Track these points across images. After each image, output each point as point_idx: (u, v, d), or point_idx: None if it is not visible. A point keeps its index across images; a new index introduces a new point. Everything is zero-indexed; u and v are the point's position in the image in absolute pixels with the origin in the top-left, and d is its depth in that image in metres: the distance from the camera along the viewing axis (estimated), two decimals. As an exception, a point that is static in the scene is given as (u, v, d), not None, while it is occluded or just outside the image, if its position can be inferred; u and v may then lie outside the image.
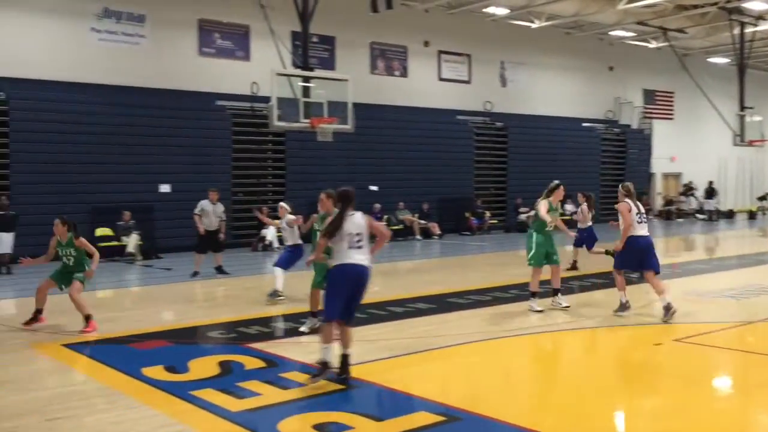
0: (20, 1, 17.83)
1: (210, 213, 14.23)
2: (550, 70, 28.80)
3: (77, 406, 6.10)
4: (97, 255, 9.20)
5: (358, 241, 6.53)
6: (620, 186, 9.87)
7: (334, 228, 6.51)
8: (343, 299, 6.48)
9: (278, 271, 11.22)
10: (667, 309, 9.19)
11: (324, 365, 6.50)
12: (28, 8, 18.00)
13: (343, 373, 6.52)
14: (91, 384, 6.78)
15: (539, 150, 26.82)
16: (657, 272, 9.49)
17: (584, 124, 29.61)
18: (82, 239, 9.19)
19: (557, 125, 28.05)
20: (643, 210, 9.70)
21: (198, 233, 14.22)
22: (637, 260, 9.60)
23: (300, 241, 11.34)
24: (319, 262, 7.50)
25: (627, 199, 9.60)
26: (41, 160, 17.31)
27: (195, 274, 14.06)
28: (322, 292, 7.53)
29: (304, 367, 7.12)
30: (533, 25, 26.39)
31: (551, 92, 28.73)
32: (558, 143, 27.62)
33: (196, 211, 14.29)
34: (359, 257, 6.52)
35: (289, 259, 11.33)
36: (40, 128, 17.43)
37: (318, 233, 8.57)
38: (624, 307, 9.67)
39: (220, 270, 14.34)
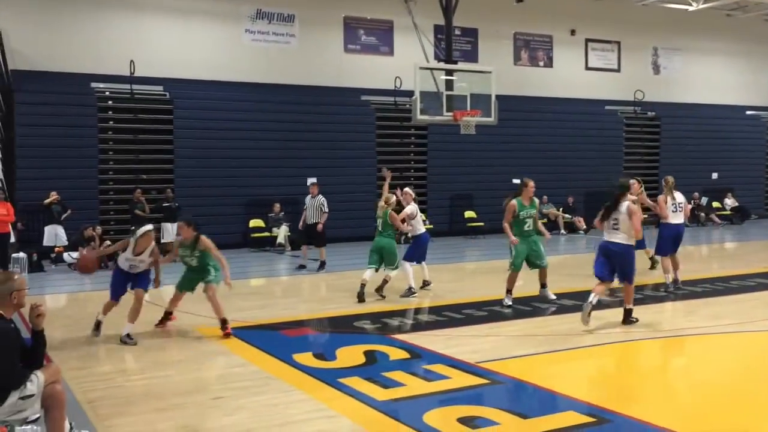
0: (181, 7, 19.11)
1: (309, 207, 14.47)
2: (708, 55, 26.94)
3: (236, 387, 6.48)
4: (224, 260, 8.74)
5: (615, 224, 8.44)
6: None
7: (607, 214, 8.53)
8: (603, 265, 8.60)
9: (407, 266, 11.10)
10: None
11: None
12: (189, 13, 19.25)
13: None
14: (249, 367, 7.16)
15: (696, 141, 25.23)
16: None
17: (748, 113, 27.48)
18: (207, 241, 8.82)
19: (717, 114, 26.22)
20: (678, 201, 10.88)
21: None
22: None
23: (423, 229, 11.34)
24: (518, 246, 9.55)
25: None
26: (201, 156, 18.50)
27: (301, 267, 14.48)
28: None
29: (448, 360, 7.13)
30: (690, 8, 24.79)
31: (710, 79, 26.87)
32: (717, 133, 25.83)
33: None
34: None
35: (416, 251, 11.28)
36: (200, 125, 18.63)
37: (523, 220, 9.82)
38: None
39: (321, 265, 14.26)
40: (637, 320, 8.75)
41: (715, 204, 25.39)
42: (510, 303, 10.00)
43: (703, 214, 24.23)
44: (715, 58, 27.06)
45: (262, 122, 19.17)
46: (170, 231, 16.59)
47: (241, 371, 7.02)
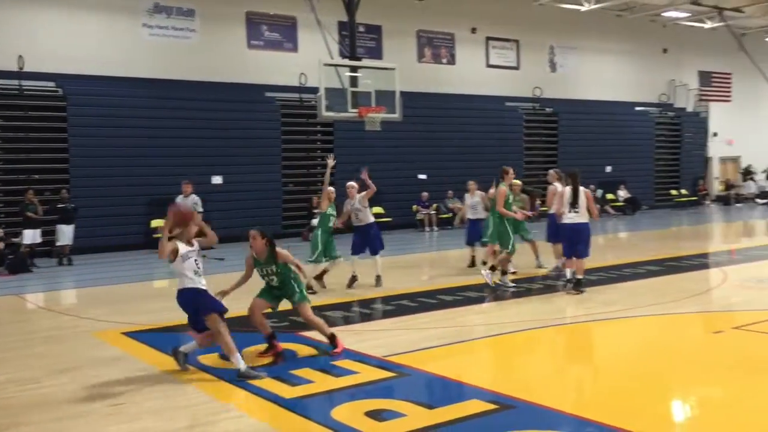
0: (75, -1, 18.33)
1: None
2: (601, 54, 28.24)
3: (138, 392, 6.29)
4: (301, 267, 7.44)
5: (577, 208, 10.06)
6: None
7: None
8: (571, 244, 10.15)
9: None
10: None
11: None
12: (83, 6, 18.48)
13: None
14: (151, 371, 6.97)
15: (591, 135, 26.40)
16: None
17: (637, 109, 28.99)
18: (283, 252, 7.25)
19: (609, 110, 27.53)
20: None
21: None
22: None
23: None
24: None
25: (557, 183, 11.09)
26: (99, 154, 17.82)
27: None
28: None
29: (355, 356, 7.18)
30: (583, 8, 25.89)
31: (602, 76, 28.17)
32: (610, 128, 27.13)
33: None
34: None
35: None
36: (97, 123, 17.94)
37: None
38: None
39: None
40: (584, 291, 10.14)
41: (609, 196, 26.64)
42: (511, 283, 10.75)
43: (597, 206, 25.34)
44: (606, 57, 28.39)
45: (163, 119, 18.64)
46: (65, 233, 15.88)
47: (144, 375, 6.82)
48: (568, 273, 10.57)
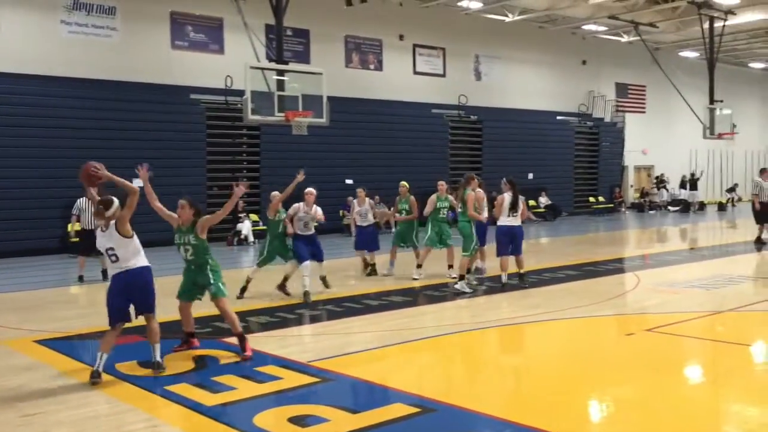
0: (-12, -8, 17.53)
1: (88, 210, 12.66)
2: (524, 64, 28.99)
3: (52, 402, 6.06)
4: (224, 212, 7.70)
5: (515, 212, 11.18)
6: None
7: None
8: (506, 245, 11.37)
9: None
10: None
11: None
12: (-4, 0, 17.70)
13: None
14: (65, 380, 6.73)
15: (514, 143, 27.04)
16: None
17: (558, 118, 29.87)
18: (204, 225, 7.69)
19: (531, 118, 28.27)
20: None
21: (71, 234, 12.94)
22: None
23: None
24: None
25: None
26: (11, 155, 17.07)
27: (80, 278, 12.85)
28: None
29: (279, 361, 7.13)
30: (507, 19, 26.53)
31: (525, 86, 28.92)
32: (532, 136, 27.86)
33: (74, 210, 13.19)
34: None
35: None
36: (10, 122, 17.19)
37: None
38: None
39: (105, 274, 12.19)
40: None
41: (531, 202, 27.32)
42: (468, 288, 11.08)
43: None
44: (529, 67, 29.17)
45: (82, 120, 18.02)
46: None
47: (58, 385, 6.57)
48: (504, 277, 11.30)
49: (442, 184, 12.87)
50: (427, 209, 12.49)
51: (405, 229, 13.04)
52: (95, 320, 9.48)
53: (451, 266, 12.47)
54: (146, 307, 6.89)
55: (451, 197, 12.77)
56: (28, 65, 17.75)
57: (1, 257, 16.07)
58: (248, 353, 7.25)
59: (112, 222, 6.78)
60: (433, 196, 12.58)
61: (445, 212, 12.67)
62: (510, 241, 11.29)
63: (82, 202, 12.98)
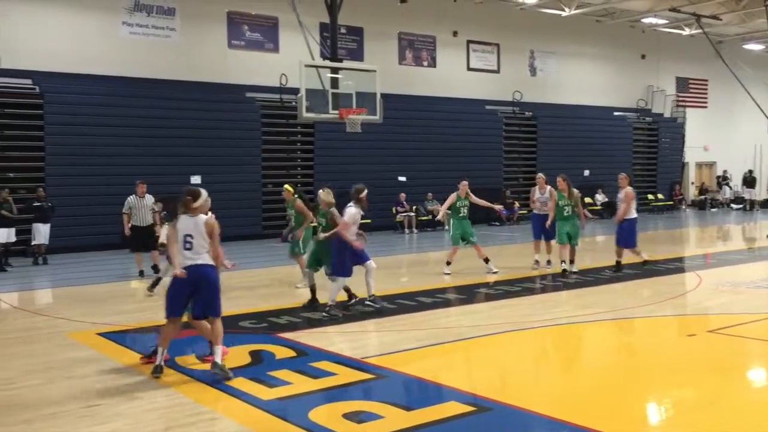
0: (54, -4, 18.11)
1: (139, 208, 13.10)
2: (580, 58, 28.47)
3: (113, 393, 6.22)
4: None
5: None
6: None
7: None
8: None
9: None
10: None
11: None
12: (62, 3, 18.27)
13: None
14: (127, 372, 6.90)
15: (569, 140, 26.57)
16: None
17: (615, 114, 29.25)
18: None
19: (588, 114, 27.75)
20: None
21: (124, 232, 13.20)
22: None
23: None
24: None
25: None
26: (75, 153, 17.62)
27: (141, 273, 13.09)
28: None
29: (334, 357, 7.17)
30: (563, 13, 26.08)
31: (582, 81, 28.40)
32: (588, 133, 27.34)
33: (124, 209, 13.23)
34: None
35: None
36: (74, 121, 17.73)
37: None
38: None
39: (156, 269, 12.68)
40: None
41: (587, 200, 26.84)
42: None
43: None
44: (586, 62, 28.63)
45: (141, 119, 18.47)
46: (41, 232, 15.68)
47: (118, 376, 6.75)
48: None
49: (464, 185, 12.98)
50: (444, 206, 13.14)
51: (465, 225, 12.97)
52: (155, 314, 9.72)
53: (486, 260, 12.70)
54: (213, 309, 6.71)
55: (472, 196, 13.07)
56: (90, 65, 18.30)
57: (65, 252, 16.59)
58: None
59: (203, 216, 6.76)
60: (454, 195, 12.87)
61: (465, 211, 12.88)
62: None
63: (132, 200, 13.30)
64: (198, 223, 6.66)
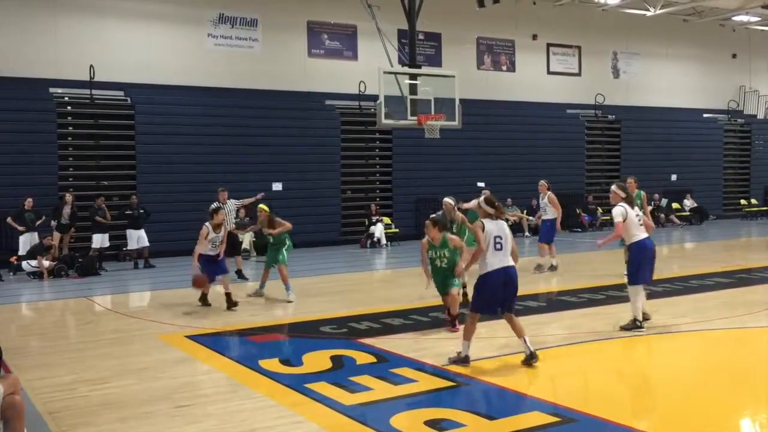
0: (142, 10, 18.87)
1: (226, 213, 12.91)
2: (666, 59, 27.53)
3: (201, 395, 6.42)
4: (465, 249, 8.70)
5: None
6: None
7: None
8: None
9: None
10: None
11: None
12: (151, 16, 19.03)
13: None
14: (214, 374, 7.10)
15: (655, 143, 25.73)
16: None
17: (705, 116, 28.13)
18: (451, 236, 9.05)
19: (675, 117, 26.79)
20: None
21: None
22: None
23: None
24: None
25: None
26: (165, 161, 18.30)
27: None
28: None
29: (414, 364, 7.16)
30: (648, 14, 25.30)
31: (668, 83, 27.45)
32: (676, 136, 26.40)
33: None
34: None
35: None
36: (163, 131, 18.43)
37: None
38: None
39: (240, 274, 13.58)
40: None
41: (675, 205, 25.90)
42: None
43: (663, 215, 24.69)
44: (672, 63, 27.66)
45: (226, 127, 19.03)
46: (134, 239, 16.34)
47: (206, 378, 6.95)
48: None
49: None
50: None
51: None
52: (240, 318, 9.97)
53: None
54: (513, 305, 7.19)
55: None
56: (177, 76, 18.98)
57: (155, 257, 17.22)
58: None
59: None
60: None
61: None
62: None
63: (217, 206, 13.61)
64: (500, 225, 7.09)
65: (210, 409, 5.99)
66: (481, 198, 7.30)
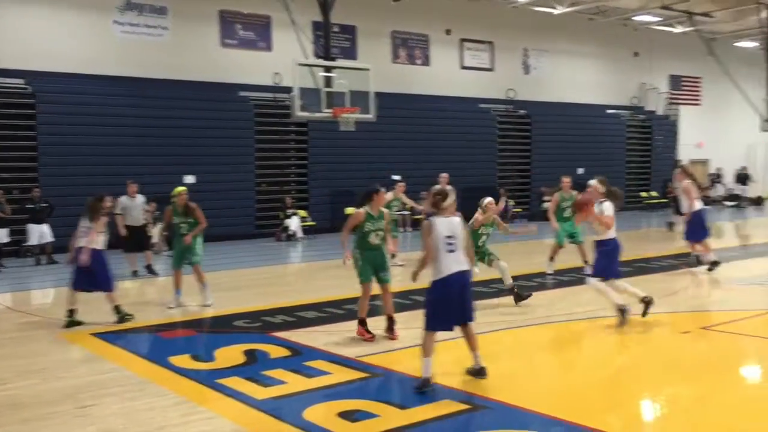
0: (45, -5, 18.03)
1: (132, 208, 13.23)
2: (573, 56, 28.51)
3: (107, 393, 6.21)
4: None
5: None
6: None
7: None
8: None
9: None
10: None
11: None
12: (53, 2, 18.19)
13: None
14: (121, 372, 6.89)
15: (563, 137, 26.61)
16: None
17: (609, 111, 29.30)
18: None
19: (581, 112, 27.79)
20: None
21: (119, 233, 12.99)
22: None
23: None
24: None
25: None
26: (69, 153, 17.55)
27: (134, 273, 13.14)
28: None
29: (329, 356, 7.17)
30: (555, 11, 26.10)
31: (575, 79, 28.44)
32: (582, 130, 27.38)
33: (117, 210, 13.01)
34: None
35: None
36: (66, 121, 17.66)
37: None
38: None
39: (150, 269, 13.28)
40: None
41: (582, 197, 26.86)
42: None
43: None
44: (578, 60, 28.67)
45: (134, 118, 18.41)
46: (36, 234, 15.62)
47: (113, 377, 6.74)
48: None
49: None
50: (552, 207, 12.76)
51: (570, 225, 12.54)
52: (148, 314, 9.71)
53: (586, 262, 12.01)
54: (471, 314, 6.30)
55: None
56: (82, 65, 18.22)
57: (59, 253, 16.51)
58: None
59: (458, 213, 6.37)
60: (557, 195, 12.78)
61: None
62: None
63: (124, 200, 13.37)
64: (453, 223, 6.24)
65: (116, 408, 5.81)
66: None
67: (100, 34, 18.76)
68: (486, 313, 9.29)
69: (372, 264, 8.01)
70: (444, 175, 14.76)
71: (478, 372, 6.32)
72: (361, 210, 8.02)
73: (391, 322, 8.05)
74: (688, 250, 13.01)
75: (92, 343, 8.10)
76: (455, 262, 6.07)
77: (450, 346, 7.73)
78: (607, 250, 8.57)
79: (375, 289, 8.10)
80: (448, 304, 6.07)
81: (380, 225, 8.00)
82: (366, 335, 7.89)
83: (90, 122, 17.92)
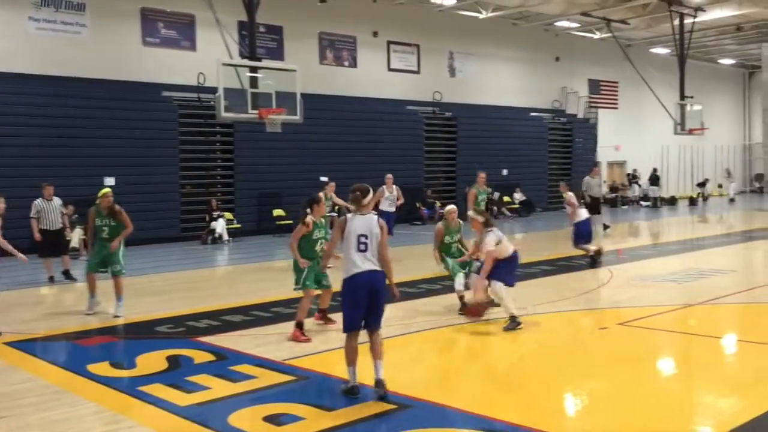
0: (-47, -12, 17.16)
1: (48, 212, 12.74)
2: (497, 60, 29.12)
3: (21, 404, 5.96)
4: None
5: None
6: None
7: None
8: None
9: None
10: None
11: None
12: (-38, -4, 17.35)
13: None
14: (36, 382, 6.61)
15: (488, 139, 27.13)
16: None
17: (532, 114, 30.05)
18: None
19: (505, 115, 28.40)
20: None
21: (34, 237, 12.60)
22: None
23: None
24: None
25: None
26: (-22, 154, 16.75)
27: (51, 279, 12.70)
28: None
29: (255, 360, 7.09)
30: (480, 16, 26.61)
31: (499, 82, 29.06)
32: (506, 133, 27.99)
33: (32, 214, 12.67)
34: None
35: None
36: (-23, 120, 16.86)
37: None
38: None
39: (67, 275, 12.83)
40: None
41: (506, 198, 27.48)
42: None
43: (495, 208, 26.09)
44: (502, 63, 29.31)
45: (51, 118, 17.72)
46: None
47: (27, 387, 6.46)
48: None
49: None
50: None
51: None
52: (65, 322, 9.36)
53: None
54: (378, 321, 6.06)
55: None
56: (-5, 62, 17.44)
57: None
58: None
59: (373, 210, 6.15)
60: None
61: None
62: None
63: (39, 203, 12.81)
64: (372, 222, 6.01)
65: (30, 419, 5.58)
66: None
67: (13, 30, 17.99)
68: (412, 314, 9.39)
69: (315, 270, 8.20)
70: (389, 176, 15.16)
71: (377, 384, 5.87)
72: (309, 219, 8.23)
73: (324, 312, 8.56)
74: (582, 253, 13.52)
75: (6, 353, 7.74)
76: (365, 260, 5.93)
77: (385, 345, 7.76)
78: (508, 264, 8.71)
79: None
80: (357, 304, 5.92)
81: (324, 233, 8.33)
82: (302, 338, 7.89)
83: (3, 122, 17.15)
